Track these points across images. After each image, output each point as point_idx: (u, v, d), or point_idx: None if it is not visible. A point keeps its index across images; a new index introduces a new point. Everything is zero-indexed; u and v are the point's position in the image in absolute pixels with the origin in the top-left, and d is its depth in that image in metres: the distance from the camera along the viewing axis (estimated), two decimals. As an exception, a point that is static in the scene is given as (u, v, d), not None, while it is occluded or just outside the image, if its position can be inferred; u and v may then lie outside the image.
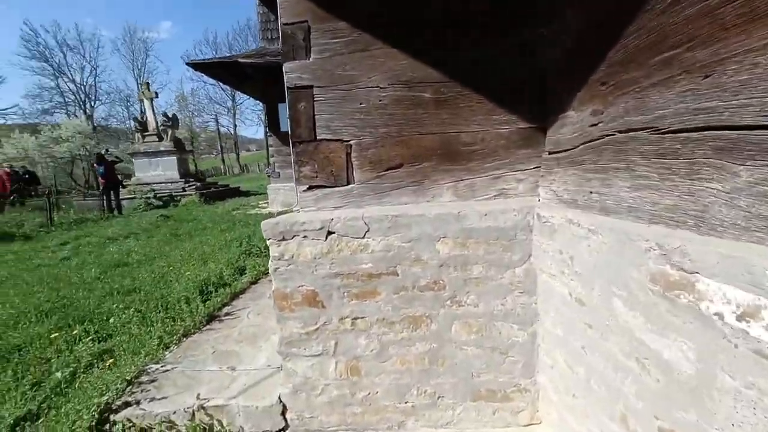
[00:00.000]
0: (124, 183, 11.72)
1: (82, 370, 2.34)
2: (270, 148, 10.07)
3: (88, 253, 5.65)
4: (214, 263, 4.40)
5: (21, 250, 6.09)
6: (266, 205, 10.88)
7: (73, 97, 37.51)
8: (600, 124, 1.26)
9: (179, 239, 6.31)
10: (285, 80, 1.81)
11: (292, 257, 1.70)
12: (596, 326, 1.21)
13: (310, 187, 1.89)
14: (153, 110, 11.89)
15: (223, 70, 8.73)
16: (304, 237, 1.69)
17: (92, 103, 38.67)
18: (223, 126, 46.22)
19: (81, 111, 37.33)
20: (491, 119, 1.71)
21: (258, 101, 10.96)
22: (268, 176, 25.82)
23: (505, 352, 1.65)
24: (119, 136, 35.60)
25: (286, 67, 1.78)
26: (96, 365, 2.40)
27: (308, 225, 1.67)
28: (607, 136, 1.22)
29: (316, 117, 1.80)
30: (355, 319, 1.69)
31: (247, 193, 13.67)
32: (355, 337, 1.69)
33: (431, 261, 1.63)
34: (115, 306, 3.26)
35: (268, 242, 1.75)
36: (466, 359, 1.66)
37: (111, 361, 2.38)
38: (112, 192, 9.86)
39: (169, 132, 11.71)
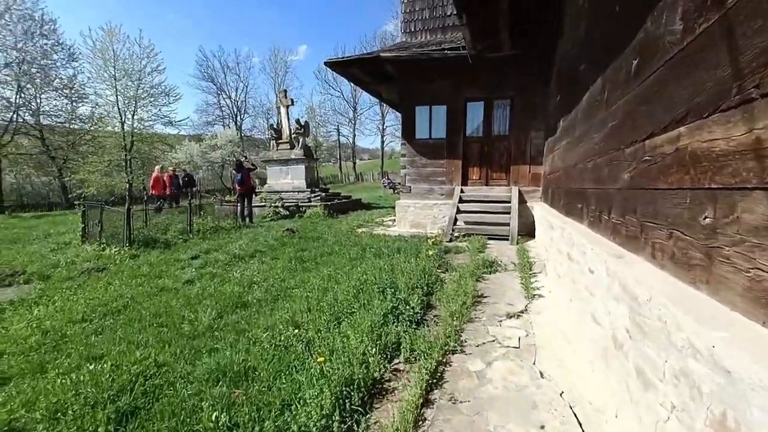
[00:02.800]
0: (257, 190, 12.00)
1: None
2: (402, 158, 8.68)
3: (212, 277, 4.89)
4: (351, 329, 2.93)
5: (156, 262, 5.76)
6: (392, 223, 9.58)
7: (228, 111, 44.11)
8: None
9: (304, 267, 5.21)
10: None
11: None
12: None
13: None
14: (288, 118, 11.90)
15: (360, 70, 7.71)
16: None
17: (242, 116, 44.90)
18: (343, 136, 48.71)
19: (233, 123, 43.62)
20: None
21: (389, 107, 9.68)
22: (384, 187, 25.33)
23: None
24: (259, 145, 40.32)
25: None
26: None
27: None
28: None
29: None
30: None
31: (368, 206, 12.80)
32: None
33: None
34: (215, 415, 1.95)
35: None
36: None
37: None
38: (246, 199, 9.80)
39: (301, 140, 11.52)
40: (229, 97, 43.89)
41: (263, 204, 10.94)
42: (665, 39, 1.60)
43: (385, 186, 25.05)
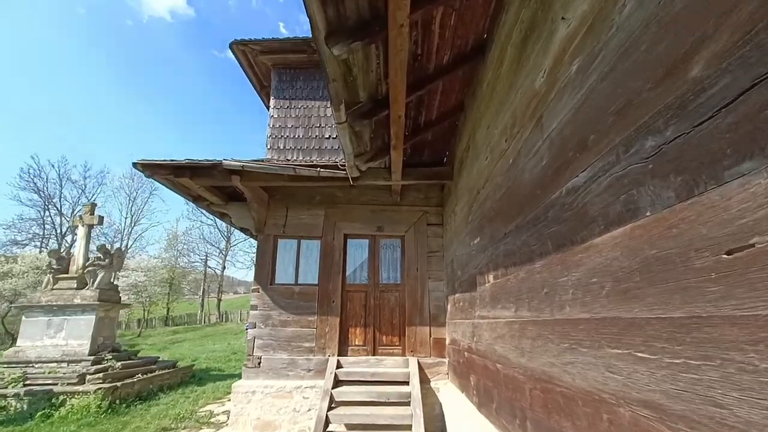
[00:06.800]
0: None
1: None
2: (252, 312, 5.74)
3: None
4: None
5: None
6: (225, 417, 5.80)
7: (53, 230, 34.64)
8: None
9: None
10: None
11: None
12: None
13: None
14: (87, 242, 8.02)
15: (196, 182, 5.22)
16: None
17: (74, 236, 35.62)
18: (210, 268, 42.41)
19: (56, 244, 33.90)
20: None
21: (245, 234, 7.17)
22: (246, 330, 20.35)
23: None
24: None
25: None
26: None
27: None
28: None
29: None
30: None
31: (201, 378, 8.50)
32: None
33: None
34: None
35: None
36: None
37: None
38: None
39: (100, 276, 7.51)
40: (61, 213, 35.20)
41: (-20, 389, 5.89)
42: None
43: (248, 329, 20.06)
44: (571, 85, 1.74)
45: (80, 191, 36.69)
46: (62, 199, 35.42)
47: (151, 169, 4.98)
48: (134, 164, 4.91)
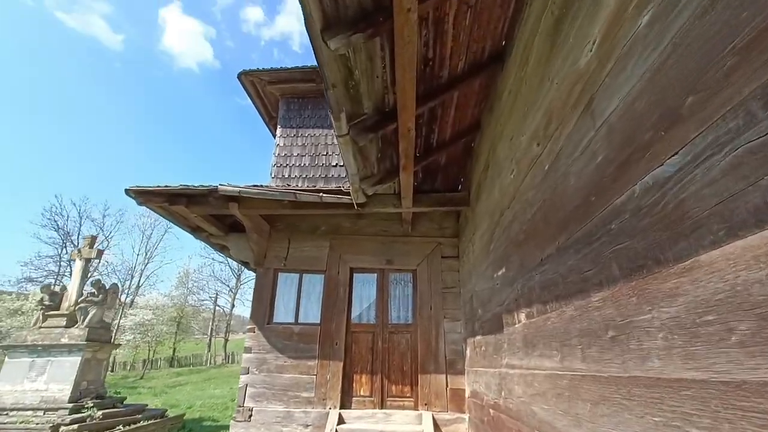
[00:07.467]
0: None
1: None
2: (246, 356, 5.12)
3: None
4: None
5: None
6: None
7: (68, 268, 34.90)
8: None
9: None
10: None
11: None
12: None
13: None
14: (82, 278, 7.66)
15: (192, 210, 4.85)
16: None
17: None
18: (219, 306, 41.64)
19: (70, 281, 34.01)
20: None
21: (245, 268, 6.68)
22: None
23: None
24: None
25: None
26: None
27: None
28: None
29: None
30: None
31: (191, 430, 7.65)
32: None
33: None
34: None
35: None
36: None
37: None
38: None
39: (91, 313, 7.06)
40: (79, 251, 35.63)
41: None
42: None
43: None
44: (641, 44, 1.28)
45: (99, 229, 37.37)
46: (80, 236, 36.02)
47: (144, 196, 4.65)
48: (126, 191, 4.60)
